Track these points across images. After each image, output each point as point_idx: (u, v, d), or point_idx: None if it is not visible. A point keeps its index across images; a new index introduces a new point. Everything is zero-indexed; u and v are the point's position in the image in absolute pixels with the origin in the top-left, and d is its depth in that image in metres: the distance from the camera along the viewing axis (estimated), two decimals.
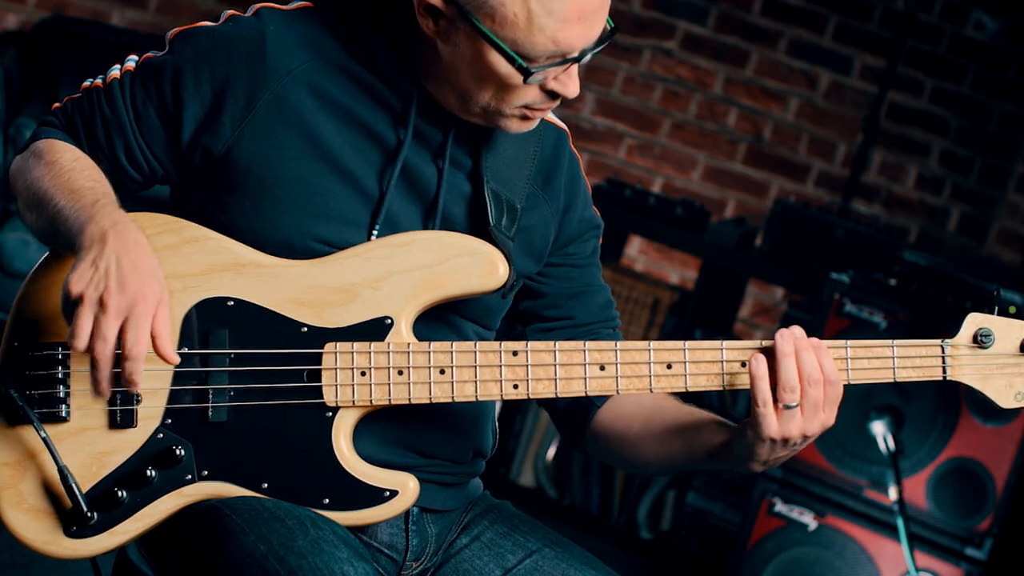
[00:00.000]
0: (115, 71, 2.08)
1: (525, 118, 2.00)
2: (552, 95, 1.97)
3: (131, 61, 2.08)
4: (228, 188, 2.01)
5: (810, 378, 1.93)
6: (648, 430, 2.11)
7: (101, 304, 1.81)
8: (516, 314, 2.20)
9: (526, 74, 1.91)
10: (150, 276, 1.84)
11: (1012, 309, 3.78)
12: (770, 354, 1.95)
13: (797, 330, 1.96)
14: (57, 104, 2.11)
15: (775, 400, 1.93)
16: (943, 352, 1.99)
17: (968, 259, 5.52)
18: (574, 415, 2.19)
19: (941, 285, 4.08)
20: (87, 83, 2.10)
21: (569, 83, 1.96)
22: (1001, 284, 4.01)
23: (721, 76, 5.68)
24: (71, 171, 1.97)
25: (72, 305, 1.83)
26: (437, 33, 1.95)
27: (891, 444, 3.98)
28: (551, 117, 2.18)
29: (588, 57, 1.95)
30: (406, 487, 1.99)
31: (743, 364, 1.98)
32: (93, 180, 1.96)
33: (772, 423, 1.93)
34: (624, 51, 5.72)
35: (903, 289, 4.11)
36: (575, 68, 1.96)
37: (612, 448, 2.17)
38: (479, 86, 1.96)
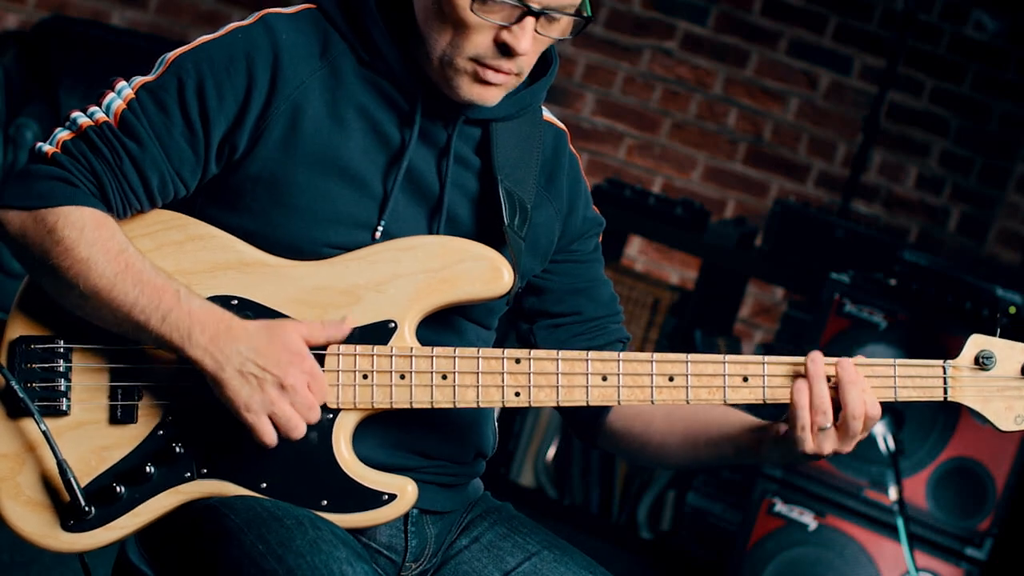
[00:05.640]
0: (116, 102, 1.98)
1: (477, 79, 1.98)
2: (503, 50, 1.95)
3: (126, 89, 1.99)
4: (239, 193, 2.01)
5: (853, 413, 1.95)
6: (670, 428, 2.12)
7: (273, 408, 1.91)
8: (521, 312, 2.21)
9: None
10: (278, 356, 1.91)
11: (1012, 309, 3.78)
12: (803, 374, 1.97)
13: (845, 362, 1.97)
14: (49, 147, 1.97)
15: (812, 423, 1.96)
16: (944, 373, 2.00)
17: (968, 259, 5.53)
18: (585, 413, 2.19)
19: (941, 285, 4.08)
20: (82, 120, 1.98)
21: (521, 37, 1.94)
22: (1001, 284, 4.00)
23: (721, 76, 5.68)
24: (134, 259, 1.94)
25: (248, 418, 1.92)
26: None
27: (891, 444, 3.97)
28: (549, 116, 2.18)
29: (540, 25, 1.95)
30: (404, 491, 1.99)
31: (744, 379, 1.98)
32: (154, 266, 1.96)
33: (808, 443, 1.97)
34: (624, 51, 5.72)
35: (903, 289, 4.11)
36: (529, 24, 1.94)
37: (631, 446, 2.17)
38: (441, 29, 1.95)
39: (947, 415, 4.00)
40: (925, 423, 4.01)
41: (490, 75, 1.97)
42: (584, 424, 2.21)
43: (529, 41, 1.94)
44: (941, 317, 3.96)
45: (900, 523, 3.93)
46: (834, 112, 5.64)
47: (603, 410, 2.18)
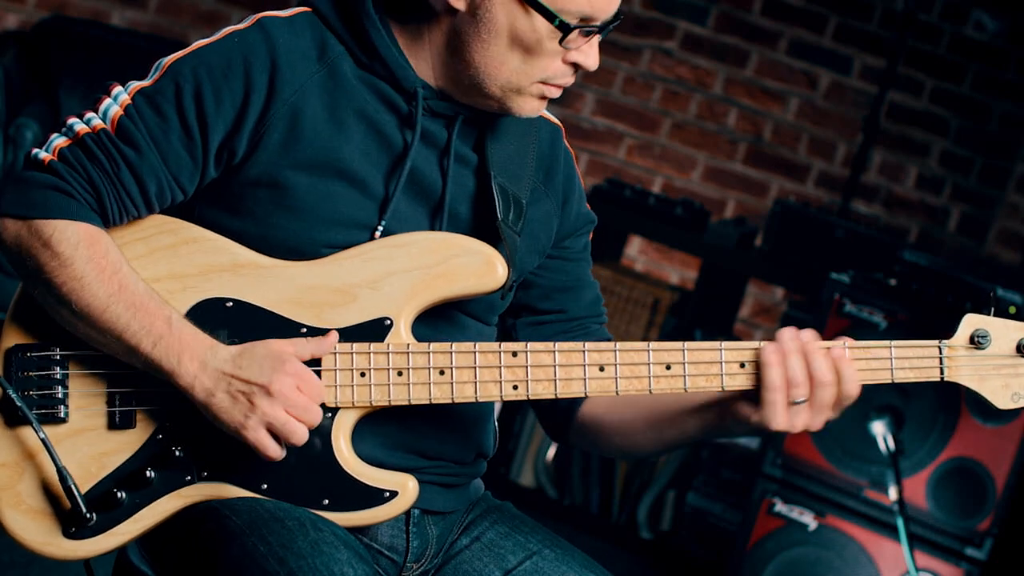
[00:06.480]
0: (113, 108, 1.97)
1: (542, 97, 2.02)
2: (572, 67, 2.00)
3: (122, 94, 1.98)
4: (240, 197, 2.01)
5: (821, 381, 1.94)
6: (634, 410, 2.12)
7: (267, 418, 1.91)
8: (506, 307, 2.20)
9: (566, 30, 1.94)
10: (260, 366, 1.92)
11: (1012, 309, 3.78)
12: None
13: (806, 334, 1.96)
14: (46, 154, 1.95)
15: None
16: (940, 353, 2.00)
17: (968, 259, 5.53)
18: (558, 408, 2.20)
19: (941, 285, 4.08)
20: (79, 126, 1.96)
21: (591, 53, 2.00)
22: (1001, 284, 4.01)
23: (721, 76, 5.68)
24: (125, 283, 1.94)
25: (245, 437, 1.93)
26: (468, 7, 1.96)
27: (891, 444, 3.97)
28: (545, 113, 2.19)
29: (605, 33, 1.99)
30: (406, 487, 1.99)
31: (742, 365, 1.98)
32: (145, 289, 1.96)
33: (780, 413, 1.94)
34: (624, 51, 5.71)
35: (903, 289, 4.11)
36: (596, 40, 2.00)
37: (599, 435, 2.17)
38: (505, 58, 1.97)
39: (947, 415, 4.00)
40: (925, 423, 4.01)
41: (553, 91, 2.02)
42: (556, 421, 2.22)
43: (598, 56, 2.01)
44: (941, 317, 3.96)
45: (900, 523, 3.93)
46: (834, 112, 5.63)
47: (574, 406, 2.18)
